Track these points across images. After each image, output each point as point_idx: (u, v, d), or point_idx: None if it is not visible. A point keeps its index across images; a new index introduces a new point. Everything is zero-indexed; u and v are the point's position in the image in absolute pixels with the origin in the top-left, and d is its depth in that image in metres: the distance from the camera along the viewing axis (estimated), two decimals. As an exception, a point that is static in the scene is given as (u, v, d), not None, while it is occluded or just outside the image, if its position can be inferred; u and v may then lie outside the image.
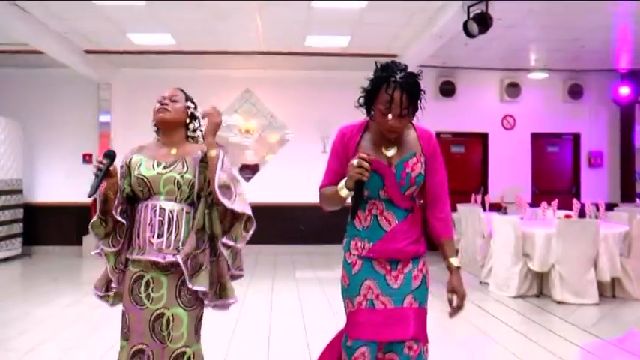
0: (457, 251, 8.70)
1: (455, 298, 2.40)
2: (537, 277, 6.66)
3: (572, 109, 11.38)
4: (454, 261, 2.43)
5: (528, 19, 7.56)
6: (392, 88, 2.26)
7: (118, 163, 2.52)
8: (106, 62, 9.91)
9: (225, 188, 2.39)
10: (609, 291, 6.58)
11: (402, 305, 2.39)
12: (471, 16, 6.19)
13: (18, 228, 9.99)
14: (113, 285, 2.53)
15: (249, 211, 2.43)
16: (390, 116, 2.29)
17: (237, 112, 10.76)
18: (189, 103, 2.60)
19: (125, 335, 2.46)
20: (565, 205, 8.27)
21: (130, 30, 8.16)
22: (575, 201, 6.90)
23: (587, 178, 11.46)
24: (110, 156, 2.42)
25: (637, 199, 10.73)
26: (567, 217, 6.85)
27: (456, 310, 2.42)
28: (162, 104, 2.51)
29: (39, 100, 10.52)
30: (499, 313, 5.94)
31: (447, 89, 10.97)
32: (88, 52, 9.25)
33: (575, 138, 11.52)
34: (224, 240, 2.44)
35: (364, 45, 8.76)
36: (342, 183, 2.33)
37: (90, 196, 2.38)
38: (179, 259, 2.37)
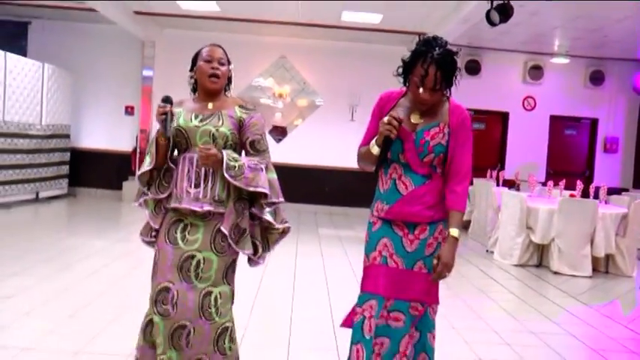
0: (469, 223, 9.44)
1: (439, 265, 2.48)
2: (538, 249, 7.31)
3: (592, 94, 11.81)
4: (453, 231, 2.49)
5: (552, 7, 8.02)
6: (427, 64, 2.36)
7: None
8: (153, 23, 10.56)
9: (253, 187, 2.52)
10: (603, 266, 7.21)
11: (412, 269, 2.51)
12: (494, 5, 6.72)
13: (65, 169, 10.85)
14: (153, 225, 2.61)
15: (267, 190, 2.54)
16: (421, 90, 2.40)
17: (272, 76, 11.39)
18: (230, 66, 2.70)
19: (152, 273, 2.58)
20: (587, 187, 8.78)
21: (181, -4, 8.81)
22: (579, 182, 7.48)
23: (602, 162, 11.96)
24: (169, 100, 2.55)
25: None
26: (572, 196, 7.44)
27: (437, 276, 2.49)
28: (213, 69, 2.59)
29: (88, 52, 11.24)
30: (500, 279, 6.62)
31: (473, 67, 11.48)
32: (137, 12, 9.91)
33: (593, 123, 11.98)
34: (254, 211, 2.59)
35: (395, 23, 9.30)
36: (374, 141, 2.49)
37: (167, 138, 2.53)
38: (224, 229, 2.51)
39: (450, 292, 5.59)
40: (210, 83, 2.58)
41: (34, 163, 9.81)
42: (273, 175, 2.60)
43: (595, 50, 10.83)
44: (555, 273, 6.90)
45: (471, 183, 10.07)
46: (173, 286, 2.47)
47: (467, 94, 11.20)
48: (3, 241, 6.69)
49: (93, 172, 11.42)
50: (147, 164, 2.55)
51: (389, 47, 10.81)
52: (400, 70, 2.52)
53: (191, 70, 2.67)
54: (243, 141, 2.60)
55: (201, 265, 2.49)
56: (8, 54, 9.02)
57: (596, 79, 11.73)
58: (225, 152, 2.47)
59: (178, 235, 2.52)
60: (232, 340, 2.57)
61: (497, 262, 7.47)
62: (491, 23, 6.86)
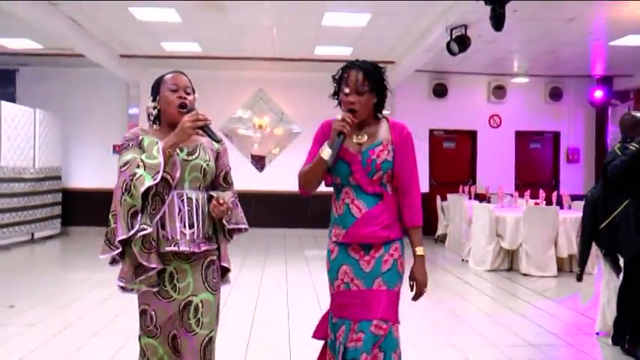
0: (445, 236, 10.06)
1: (415, 286, 2.56)
2: (508, 254, 7.96)
3: (552, 109, 12.63)
4: (418, 250, 2.54)
5: (506, 35, 8.79)
6: (351, 69, 2.50)
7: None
8: (137, 65, 11.15)
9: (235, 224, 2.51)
10: (567, 266, 7.87)
11: (371, 287, 2.50)
12: (453, 37, 7.46)
13: (58, 210, 11.28)
14: (147, 265, 2.28)
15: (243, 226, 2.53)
16: (347, 90, 2.48)
17: (251, 109, 12.02)
18: (195, 95, 2.50)
19: (151, 333, 2.40)
20: (545, 196, 9.45)
21: (163, 39, 9.44)
22: (541, 191, 8.19)
23: (566, 172, 12.74)
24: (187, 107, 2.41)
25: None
26: (536, 204, 8.13)
27: (415, 296, 2.58)
28: (181, 98, 2.40)
29: (75, 95, 11.76)
30: (475, 283, 7.23)
31: (440, 90, 12.24)
32: (122, 55, 10.51)
33: (555, 136, 12.79)
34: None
35: (365, 54, 9.98)
36: (325, 144, 2.48)
37: (218, 140, 2.41)
38: (227, 265, 2.54)
39: (428, 298, 6.14)
40: (179, 114, 2.35)
41: (29, 205, 10.24)
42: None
43: (552, 69, 11.65)
44: (525, 275, 7.54)
45: (445, 198, 10.77)
46: (177, 332, 2.39)
47: (436, 115, 12.22)
48: (10, 280, 7.13)
49: (84, 210, 11.82)
50: (148, 179, 2.23)
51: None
52: (334, 90, 2.60)
53: (154, 99, 2.44)
54: (217, 173, 2.50)
55: (200, 309, 2.37)
56: (2, 102, 9.53)
57: (555, 95, 12.56)
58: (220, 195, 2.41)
59: (168, 288, 2.36)
60: None
61: (472, 269, 8.09)
62: (452, 53, 7.60)
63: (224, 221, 2.42)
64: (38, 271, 7.85)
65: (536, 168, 12.82)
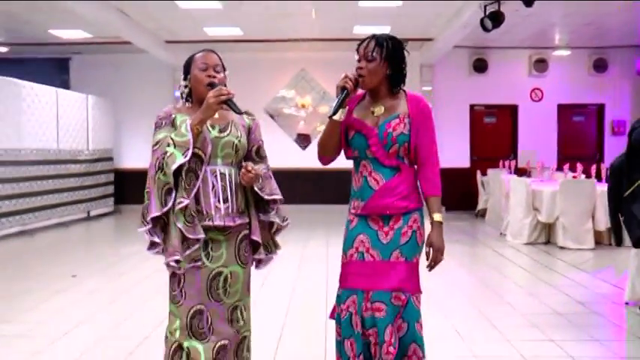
0: (485, 211, 10.14)
1: (431, 251, 2.56)
2: (545, 228, 8.06)
3: (596, 81, 12.45)
4: (436, 216, 2.56)
5: (543, 9, 8.74)
6: (366, 39, 2.55)
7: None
8: (182, 50, 11.52)
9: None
10: (606, 239, 7.91)
11: (389, 259, 2.51)
12: (487, 13, 7.52)
13: (110, 189, 11.91)
14: (194, 237, 2.32)
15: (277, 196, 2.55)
16: (356, 56, 2.53)
17: (294, 89, 12.31)
18: (226, 72, 2.52)
19: (174, 299, 2.40)
20: (584, 169, 9.43)
21: (206, 25, 9.78)
22: (578, 165, 8.22)
23: (611, 145, 12.56)
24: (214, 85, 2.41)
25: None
26: (574, 177, 8.17)
27: (431, 263, 2.56)
28: (210, 77, 2.42)
29: (124, 80, 12.31)
30: (511, 256, 7.37)
31: (480, 66, 12.24)
32: (167, 42, 10.93)
33: (600, 108, 12.62)
34: (262, 216, 2.56)
35: (403, 32, 10.13)
36: (332, 110, 2.50)
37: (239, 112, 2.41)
38: (257, 239, 2.51)
39: (467, 272, 6.39)
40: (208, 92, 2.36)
41: (85, 185, 10.86)
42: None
43: (595, 40, 11.48)
44: (562, 248, 7.63)
45: (485, 173, 10.86)
46: (205, 308, 2.39)
47: (477, 90, 12.25)
48: (70, 253, 7.69)
49: (135, 189, 12.28)
50: (179, 157, 2.27)
51: (399, 53, 11.64)
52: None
53: (185, 78, 2.50)
54: (249, 148, 2.55)
55: (229, 280, 2.44)
56: (58, 90, 10.09)
57: (600, 66, 12.37)
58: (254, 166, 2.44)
59: (202, 254, 2.39)
60: (249, 349, 2.57)
61: (510, 242, 8.22)
62: (485, 29, 7.67)
63: (256, 189, 2.44)
64: (95, 245, 8.43)
65: (579, 141, 12.70)
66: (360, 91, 2.60)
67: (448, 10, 8.82)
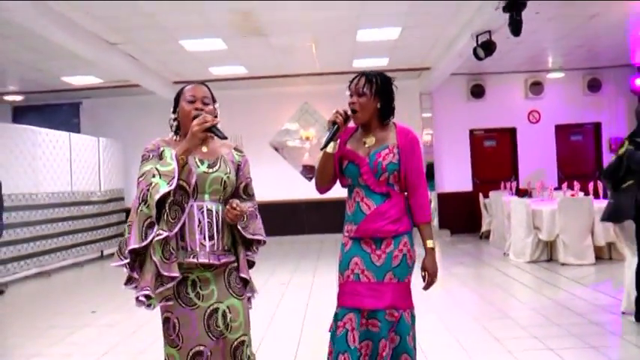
0: (489, 232, 10.34)
1: (427, 275, 2.80)
2: (546, 245, 8.28)
3: (592, 101, 12.77)
4: (429, 243, 2.77)
5: (533, 36, 9.14)
6: (355, 77, 2.80)
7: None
8: (188, 89, 12.00)
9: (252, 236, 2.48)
10: (606, 254, 8.13)
11: (382, 280, 2.72)
12: (479, 43, 7.89)
13: (122, 228, 12.14)
14: (168, 274, 2.23)
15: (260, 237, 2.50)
16: (347, 92, 2.77)
17: (297, 122, 12.70)
18: (216, 104, 2.51)
19: (173, 343, 2.34)
20: (581, 187, 9.66)
21: (211, 65, 10.22)
22: (576, 183, 8.48)
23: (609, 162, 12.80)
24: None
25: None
26: (572, 195, 8.42)
27: (427, 285, 2.82)
28: (197, 109, 2.39)
29: (134, 122, 12.71)
30: (514, 274, 7.58)
31: (477, 91, 12.61)
32: (175, 82, 11.37)
33: (597, 126, 12.90)
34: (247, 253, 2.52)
35: (401, 63, 10.57)
36: (324, 143, 2.73)
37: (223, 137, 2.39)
38: (245, 275, 2.47)
39: (470, 291, 6.61)
40: (196, 127, 2.29)
41: (98, 225, 11.17)
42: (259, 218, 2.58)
43: (588, 61, 11.83)
44: (563, 264, 7.84)
45: (487, 196, 11.11)
46: (205, 348, 2.34)
47: (475, 115, 12.61)
48: (89, 291, 7.96)
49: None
50: (163, 186, 2.20)
51: (397, 82, 12.03)
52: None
53: (174, 111, 2.49)
54: (237, 185, 2.50)
55: (228, 314, 2.38)
56: (71, 134, 10.49)
57: (594, 86, 12.71)
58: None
59: (192, 296, 2.34)
60: None
61: (513, 261, 8.45)
62: (478, 58, 8.03)
63: (239, 227, 2.40)
64: (111, 283, 8.66)
65: (578, 160, 12.96)
66: (352, 125, 2.82)
67: (442, 41, 9.24)
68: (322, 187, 2.91)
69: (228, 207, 2.33)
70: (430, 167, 12.40)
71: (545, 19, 8.35)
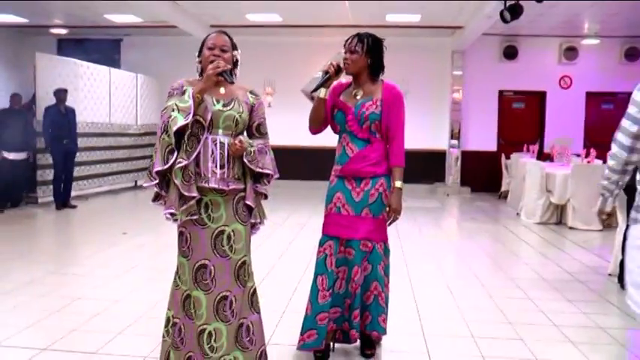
0: (507, 193, 10.55)
1: (390, 211, 3.13)
2: (557, 209, 8.56)
3: (628, 70, 12.64)
4: (397, 183, 3.13)
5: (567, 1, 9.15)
6: (350, 36, 3.16)
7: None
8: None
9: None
10: (615, 221, 8.35)
11: (360, 214, 3.12)
12: (506, 6, 8.00)
13: (156, 160, 12.81)
14: (188, 194, 2.57)
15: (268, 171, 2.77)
16: (342, 50, 3.14)
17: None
18: (234, 52, 2.79)
19: (184, 253, 2.70)
20: (598, 154, 9.74)
21: (248, 11, 10.52)
22: (592, 150, 8.66)
23: None
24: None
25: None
26: (588, 162, 8.61)
27: (390, 221, 3.16)
28: (214, 56, 2.68)
29: (171, 61, 13.03)
30: (520, 233, 7.91)
31: (510, 53, 12.63)
32: (212, 26, 11.69)
33: (630, 97, 12.79)
34: (257, 186, 2.80)
35: (433, 20, 10.69)
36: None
37: (232, 82, 2.73)
38: (250, 203, 2.74)
39: (480, 249, 6.99)
40: (211, 71, 2.61)
41: (133, 156, 11.80)
42: (272, 155, 2.84)
43: (627, 29, 11.70)
44: (571, 228, 8.13)
45: (509, 157, 11.32)
46: (209, 262, 2.65)
47: (506, 76, 12.72)
48: (121, 215, 8.61)
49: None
50: (180, 119, 2.52)
51: (431, 39, 12.23)
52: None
53: (199, 55, 2.79)
54: (250, 124, 2.80)
55: (232, 237, 2.69)
56: (112, 69, 11.01)
57: (632, 55, 12.59)
58: (245, 141, 2.69)
59: (204, 216, 2.67)
60: (257, 297, 2.83)
61: (523, 221, 8.76)
62: (505, 21, 8.15)
63: (245, 160, 2.68)
64: (142, 210, 9.32)
65: (607, 128, 12.83)
66: (349, 80, 3.22)
67: (471, 1, 9.29)
68: (314, 129, 3.29)
69: (232, 140, 2.65)
70: (458, 126, 12.67)
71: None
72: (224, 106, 2.68)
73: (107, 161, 10.85)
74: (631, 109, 2.43)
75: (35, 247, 6.46)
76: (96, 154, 10.45)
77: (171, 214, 2.63)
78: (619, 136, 2.46)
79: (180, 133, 2.55)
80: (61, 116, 8.81)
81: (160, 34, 12.74)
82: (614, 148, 2.50)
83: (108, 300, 4.35)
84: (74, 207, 8.96)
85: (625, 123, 2.43)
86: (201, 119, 2.59)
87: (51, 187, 9.00)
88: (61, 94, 8.85)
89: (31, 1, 10.03)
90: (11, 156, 8.66)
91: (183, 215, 2.62)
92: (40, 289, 4.58)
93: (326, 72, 3.09)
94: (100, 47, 13.05)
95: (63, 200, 8.96)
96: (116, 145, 11.15)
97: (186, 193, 2.57)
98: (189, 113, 2.53)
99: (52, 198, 8.99)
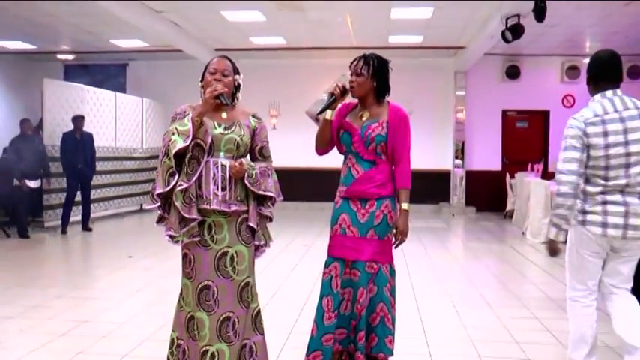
0: (513, 212, 10.52)
1: (397, 233, 3.13)
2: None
3: (630, 88, 12.54)
4: (404, 205, 3.13)
5: (566, 21, 9.23)
6: (356, 58, 3.16)
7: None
8: (229, 57, 12.43)
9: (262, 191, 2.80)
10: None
11: (365, 236, 3.10)
12: (507, 26, 8.08)
13: (161, 186, 12.87)
14: (188, 216, 2.62)
15: (270, 194, 2.81)
16: (348, 72, 3.15)
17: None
18: (236, 76, 2.84)
19: (188, 275, 2.73)
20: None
21: (252, 35, 10.65)
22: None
23: (643, 151, 12.80)
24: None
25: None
26: (592, 181, 8.61)
27: (397, 243, 3.16)
28: (215, 80, 2.74)
29: (176, 85, 13.18)
30: (525, 252, 7.89)
31: (512, 72, 12.72)
32: (217, 49, 11.83)
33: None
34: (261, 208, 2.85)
35: (435, 41, 10.80)
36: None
37: (227, 103, 2.72)
38: (253, 224, 2.77)
39: (486, 269, 6.97)
40: (209, 95, 2.67)
41: (138, 180, 11.86)
42: (275, 178, 2.87)
43: (627, 48, 11.70)
44: (577, 247, 8.08)
45: (513, 177, 11.33)
46: (212, 283, 2.68)
47: (509, 96, 12.79)
48: (127, 239, 8.64)
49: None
50: (180, 143, 2.58)
51: (433, 60, 12.33)
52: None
53: (201, 80, 2.83)
54: (252, 147, 2.84)
55: (235, 258, 2.72)
56: (117, 93, 11.13)
57: (634, 73, 12.63)
58: (246, 163, 2.74)
59: (207, 238, 2.70)
60: (261, 318, 2.86)
61: (529, 240, 8.74)
62: (506, 40, 8.23)
63: (247, 183, 2.73)
64: (147, 233, 9.34)
65: (610, 147, 12.93)
66: (354, 101, 3.23)
67: (474, 22, 9.42)
68: (320, 150, 3.31)
69: (233, 162, 2.68)
70: (461, 145, 12.71)
71: (576, 4, 8.46)
72: (225, 129, 2.72)
73: (113, 185, 10.92)
74: (568, 142, 3.14)
75: (42, 271, 6.51)
76: (102, 177, 10.52)
77: (171, 237, 2.69)
78: (566, 165, 3.04)
79: (181, 156, 2.62)
80: (76, 142, 8.97)
81: (165, 58, 12.90)
82: (564, 177, 3.03)
83: (114, 323, 4.37)
84: (90, 230, 9.09)
85: (568, 154, 3.06)
86: (201, 142, 2.64)
87: (57, 211, 9.06)
88: (77, 121, 9.06)
89: (39, 27, 10.19)
90: (32, 184, 8.83)
91: (185, 237, 2.68)
92: (47, 313, 4.60)
93: (331, 94, 3.12)
94: (106, 72, 13.25)
95: (83, 223, 9.18)
96: (122, 168, 11.23)
97: (186, 215, 2.62)
98: (189, 136, 2.59)
99: (58, 222, 9.02)
